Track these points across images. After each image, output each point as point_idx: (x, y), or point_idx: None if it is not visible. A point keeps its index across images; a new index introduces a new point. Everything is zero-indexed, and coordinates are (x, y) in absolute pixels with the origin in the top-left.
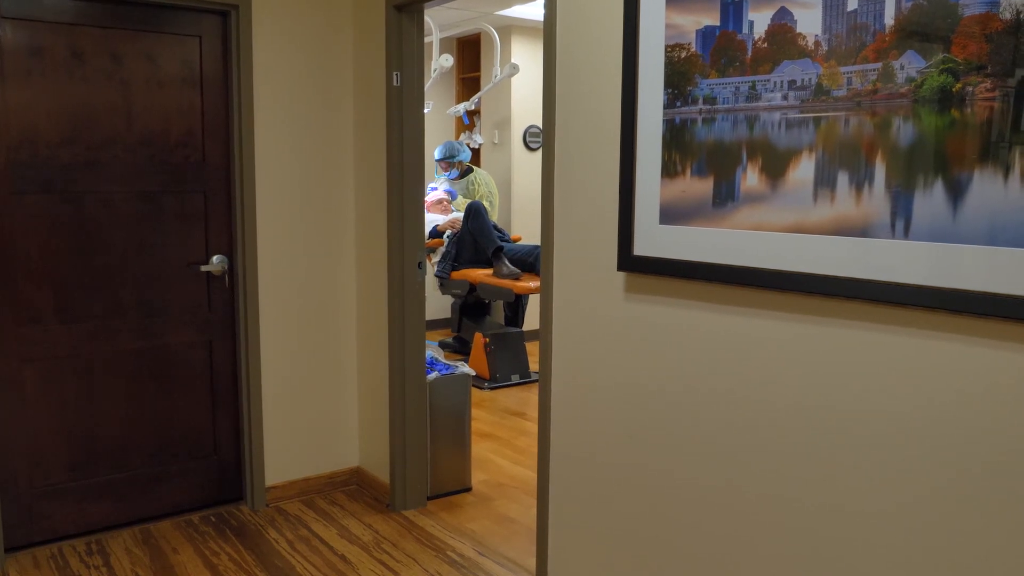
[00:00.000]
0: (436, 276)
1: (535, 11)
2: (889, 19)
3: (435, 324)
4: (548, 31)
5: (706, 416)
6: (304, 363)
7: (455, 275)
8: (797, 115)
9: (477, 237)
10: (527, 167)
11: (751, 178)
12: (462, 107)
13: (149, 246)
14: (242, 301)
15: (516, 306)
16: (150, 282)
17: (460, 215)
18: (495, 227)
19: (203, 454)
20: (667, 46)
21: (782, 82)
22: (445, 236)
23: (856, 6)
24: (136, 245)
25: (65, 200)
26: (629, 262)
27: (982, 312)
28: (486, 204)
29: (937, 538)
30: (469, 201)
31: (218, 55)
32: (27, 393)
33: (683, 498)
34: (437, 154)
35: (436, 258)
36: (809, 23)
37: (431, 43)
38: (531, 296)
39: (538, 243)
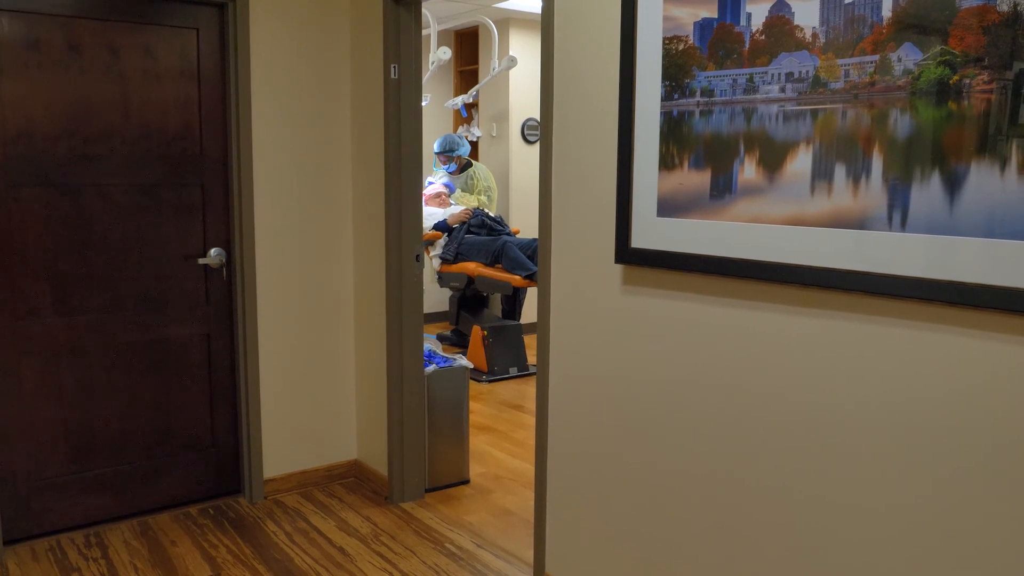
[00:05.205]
0: (440, 257)
1: (533, 3)
2: (886, 11)
3: (433, 317)
4: (546, 24)
5: (703, 408)
6: (302, 356)
7: (453, 268)
8: (794, 107)
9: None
10: (525, 160)
11: (748, 170)
12: (460, 100)
13: (147, 239)
14: (240, 294)
15: (513, 299)
16: (148, 275)
17: (468, 208)
18: (497, 220)
19: (201, 447)
20: (665, 38)
21: (779, 74)
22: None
23: None
24: (134, 238)
25: (62, 193)
26: (627, 255)
27: (979, 304)
28: (484, 199)
29: (933, 529)
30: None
31: (215, 47)
32: (25, 386)
33: (680, 490)
34: (436, 147)
35: (435, 251)
36: (807, 15)
37: (429, 36)
38: (528, 289)
39: (537, 236)
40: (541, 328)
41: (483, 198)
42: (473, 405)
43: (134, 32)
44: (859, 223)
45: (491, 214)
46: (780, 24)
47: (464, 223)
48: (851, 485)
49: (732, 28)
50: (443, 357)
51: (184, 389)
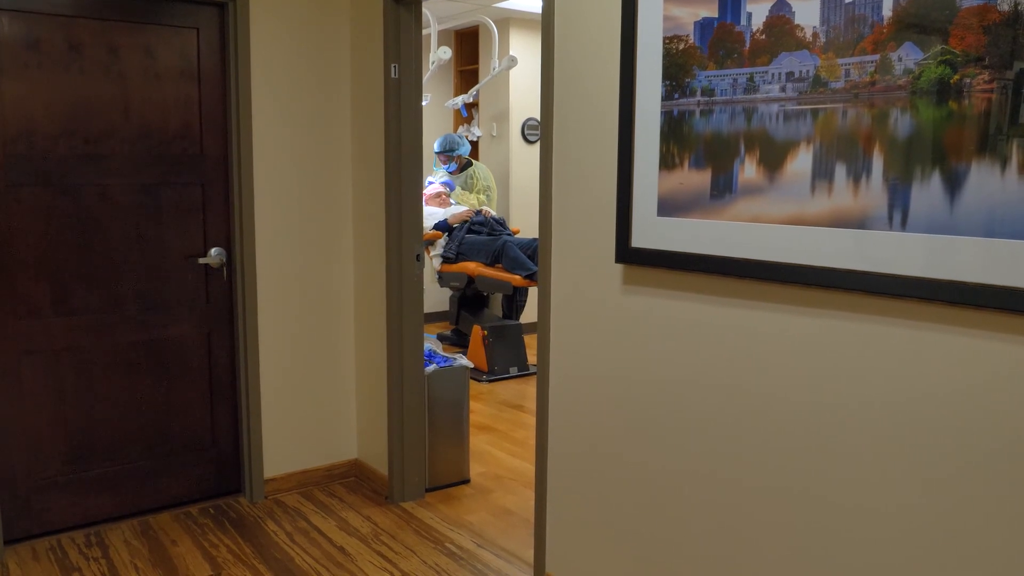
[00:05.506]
0: (442, 256)
1: (533, 3)
2: (887, 11)
3: (433, 317)
4: (546, 23)
5: (704, 408)
6: (302, 355)
7: (453, 267)
8: (795, 107)
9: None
10: (525, 160)
11: (749, 170)
12: (460, 100)
13: (147, 239)
14: (240, 294)
15: (512, 300)
16: (148, 275)
17: (468, 208)
18: (498, 221)
19: (201, 446)
20: (665, 38)
21: (780, 74)
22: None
23: None
24: (134, 237)
25: (63, 192)
26: (627, 254)
27: (979, 304)
28: (483, 198)
29: (934, 529)
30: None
31: (216, 47)
32: (25, 386)
33: (680, 489)
34: (436, 147)
35: (436, 251)
36: (807, 15)
37: (429, 35)
38: (529, 290)
39: (537, 236)
40: (541, 328)
41: (482, 197)
42: (473, 405)
43: (134, 32)
44: (859, 223)
45: (492, 213)
46: (780, 24)
47: (465, 222)
48: (852, 485)
49: (732, 28)
50: (443, 357)
51: (184, 389)
